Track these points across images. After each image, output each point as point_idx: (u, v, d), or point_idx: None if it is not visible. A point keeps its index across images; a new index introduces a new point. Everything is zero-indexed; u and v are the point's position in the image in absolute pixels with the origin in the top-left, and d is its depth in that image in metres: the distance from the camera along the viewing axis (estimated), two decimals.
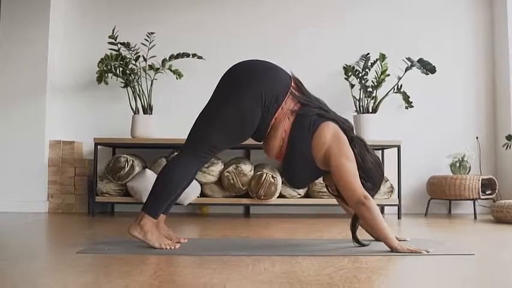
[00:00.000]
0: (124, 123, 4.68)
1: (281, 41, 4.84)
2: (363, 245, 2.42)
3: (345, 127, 2.44)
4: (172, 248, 2.34)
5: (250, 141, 2.66)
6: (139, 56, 4.50)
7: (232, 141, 2.41)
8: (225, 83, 2.43)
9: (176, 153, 2.44)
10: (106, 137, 4.58)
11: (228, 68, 2.48)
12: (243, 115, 2.33)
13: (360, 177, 2.34)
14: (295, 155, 2.37)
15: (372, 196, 2.39)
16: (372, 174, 2.40)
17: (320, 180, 4.10)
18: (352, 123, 4.38)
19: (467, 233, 3.27)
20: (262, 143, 2.51)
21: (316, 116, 2.39)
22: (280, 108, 2.36)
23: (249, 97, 2.32)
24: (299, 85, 2.44)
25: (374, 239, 2.58)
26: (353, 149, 2.38)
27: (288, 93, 2.38)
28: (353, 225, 2.46)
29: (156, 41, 4.52)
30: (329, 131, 2.37)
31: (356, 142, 2.42)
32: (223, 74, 2.47)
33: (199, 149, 2.36)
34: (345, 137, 2.39)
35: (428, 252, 2.25)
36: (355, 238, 2.44)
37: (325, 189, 4.21)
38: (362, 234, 2.56)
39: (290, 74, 2.47)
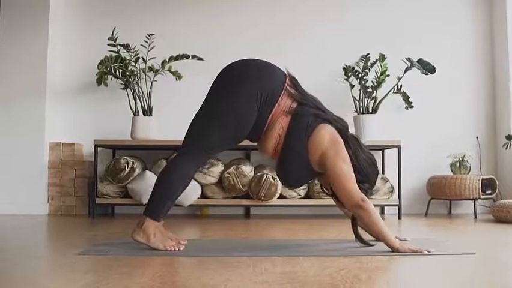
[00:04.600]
0: (124, 124, 4.68)
1: (281, 42, 4.83)
2: (369, 245, 2.42)
3: (340, 126, 2.44)
4: (177, 249, 2.34)
5: (249, 142, 2.66)
6: (138, 58, 4.50)
7: (229, 141, 2.40)
8: (219, 83, 2.43)
9: (174, 155, 2.44)
10: (106, 138, 4.58)
11: (222, 68, 2.48)
12: (239, 113, 2.33)
13: (356, 179, 2.34)
14: (290, 154, 2.37)
15: (369, 195, 2.41)
16: (366, 172, 2.40)
17: None
18: (352, 123, 4.42)
19: (468, 233, 3.27)
20: (257, 143, 2.51)
21: (313, 117, 2.39)
22: (277, 104, 2.36)
23: (244, 95, 2.32)
24: (295, 83, 2.44)
25: (375, 239, 2.58)
26: (347, 149, 2.38)
27: (284, 90, 2.38)
28: (354, 225, 2.46)
29: (156, 42, 4.52)
30: (326, 133, 2.36)
31: (350, 141, 2.42)
32: (217, 74, 2.48)
33: (197, 149, 2.37)
34: (342, 140, 2.39)
35: (429, 252, 2.25)
36: (358, 238, 2.44)
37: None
38: (366, 234, 2.55)
39: (285, 71, 2.47)
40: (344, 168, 2.31)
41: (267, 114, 2.36)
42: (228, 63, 2.50)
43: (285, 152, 2.38)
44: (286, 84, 2.40)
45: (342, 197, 2.33)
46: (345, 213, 2.69)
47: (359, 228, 2.46)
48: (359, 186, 2.33)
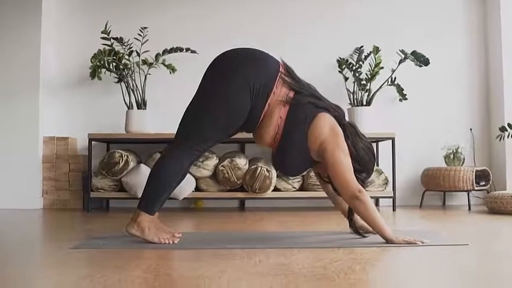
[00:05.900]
0: (118, 118, 4.66)
1: (275, 35, 4.82)
2: (363, 236, 2.43)
3: (337, 114, 2.44)
4: (171, 242, 2.33)
5: (244, 135, 2.66)
6: (132, 51, 4.48)
7: (222, 132, 2.38)
8: (211, 73, 2.41)
9: (167, 148, 2.43)
10: (100, 132, 4.56)
11: (214, 58, 2.46)
12: (231, 104, 2.31)
13: (354, 169, 2.35)
14: (290, 143, 2.36)
15: (366, 183, 2.43)
16: (364, 161, 2.41)
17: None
18: (346, 116, 4.42)
19: (462, 224, 3.28)
20: (252, 134, 2.50)
21: (311, 106, 2.38)
22: (272, 93, 2.34)
23: (236, 85, 2.30)
24: (289, 71, 2.42)
25: (372, 230, 2.58)
26: (346, 140, 2.38)
27: (278, 78, 2.36)
28: (349, 215, 2.47)
29: (149, 35, 4.50)
30: (326, 122, 2.36)
31: (348, 130, 2.42)
32: (209, 65, 2.45)
33: (190, 142, 2.35)
34: (341, 130, 2.39)
35: (422, 242, 2.25)
36: (353, 228, 2.45)
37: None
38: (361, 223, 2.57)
39: (279, 60, 2.45)
40: (343, 159, 2.31)
41: (262, 103, 2.34)
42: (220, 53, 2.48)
43: (284, 141, 2.37)
44: (280, 73, 2.38)
45: (339, 188, 2.34)
46: (338, 206, 2.69)
47: (355, 218, 2.48)
48: (356, 176, 2.34)
